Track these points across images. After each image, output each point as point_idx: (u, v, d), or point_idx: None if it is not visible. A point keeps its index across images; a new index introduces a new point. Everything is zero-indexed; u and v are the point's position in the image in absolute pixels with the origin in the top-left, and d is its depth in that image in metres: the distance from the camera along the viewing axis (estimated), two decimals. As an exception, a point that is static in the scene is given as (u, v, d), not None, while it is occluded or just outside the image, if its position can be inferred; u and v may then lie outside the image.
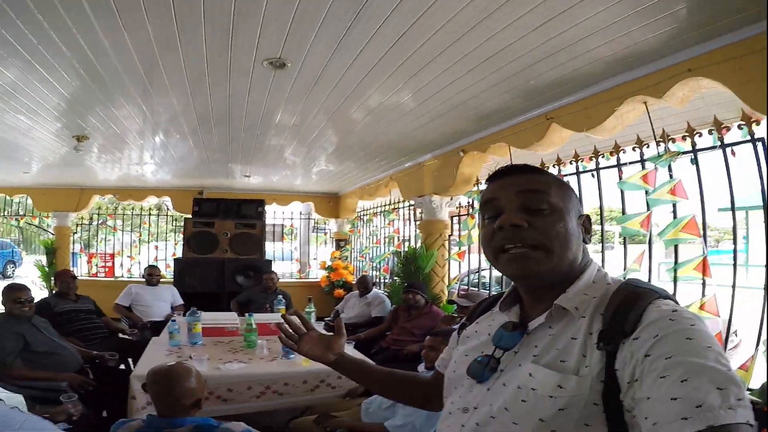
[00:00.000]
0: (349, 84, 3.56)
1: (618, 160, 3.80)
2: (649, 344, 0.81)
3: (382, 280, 8.44)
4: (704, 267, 3.11)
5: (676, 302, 0.92)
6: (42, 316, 3.90)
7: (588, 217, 1.11)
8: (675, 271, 3.26)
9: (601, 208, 4.15)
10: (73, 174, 7.82)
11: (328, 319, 6.45)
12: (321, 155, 6.32)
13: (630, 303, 0.90)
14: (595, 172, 4.08)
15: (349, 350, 3.76)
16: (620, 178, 3.71)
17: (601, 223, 4.19)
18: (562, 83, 3.43)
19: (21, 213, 10.57)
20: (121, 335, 5.02)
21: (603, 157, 3.98)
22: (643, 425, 0.76)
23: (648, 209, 3.40)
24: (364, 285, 6.31)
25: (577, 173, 4.19)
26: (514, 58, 3.04)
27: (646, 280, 3.56)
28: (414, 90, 3.68)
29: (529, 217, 1.00)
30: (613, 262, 3.91)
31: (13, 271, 17.27)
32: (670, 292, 0.98)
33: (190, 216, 7.72)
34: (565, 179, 4.05)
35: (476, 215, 5.38)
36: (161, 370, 2.23)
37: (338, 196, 10.25)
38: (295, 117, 4.45)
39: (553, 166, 4.30)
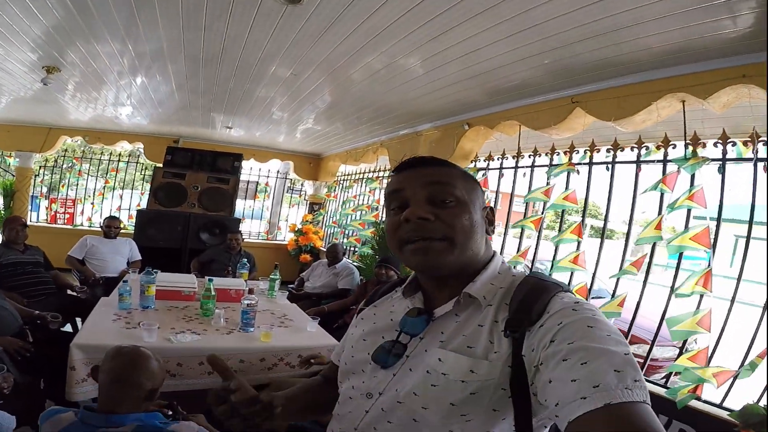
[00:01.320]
0: (366, 35, 3.26)
1: (638, 156, 3.59)
2: (554, 331, 0.86)
3: (350, 249, 8.23)
4: (707, 280, 2.98)
5: (577, 296, 0.98)
6: (-15, 268, 3.59)
7: (491, 209, 1.14)
8: (672, 288, 3.14)
9: (608, 202, 3.94)
10: (43, 111, 7.35)
11: (292, 286, 6.27)
12: (311, 113, 6.05)
13: (536, 294, 0.96)
14: (609, 165, 3.86)
15: (313, 326, 3.59)
16: (637, 175, 3.53)
17: (605, 219, 4.04)
18: (599, 67, 3.26)
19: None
20: (69, 292, 4.73)
21: (621, 150, 3.76)
22: (547, 407, 0.81)
23: (660, 212, 3.29)
24: (334, 254, 6.06)
25: (590, 164, 3.96)
26: (552, 34, 2.86)
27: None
28: (431, 53, 3.45)
29: (435, 210, 1.03)
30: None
31: None
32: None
33: (160, 165, 7.36)
34: (576, 168, 3.88)
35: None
36: (124, 352, 1.96)
37: (320, 158, 10.01)
38: (294, 66, 4.15)
39: (565, 152, 4.07)
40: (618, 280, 3.56)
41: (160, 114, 7.02)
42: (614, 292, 3.60)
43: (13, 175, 8.62)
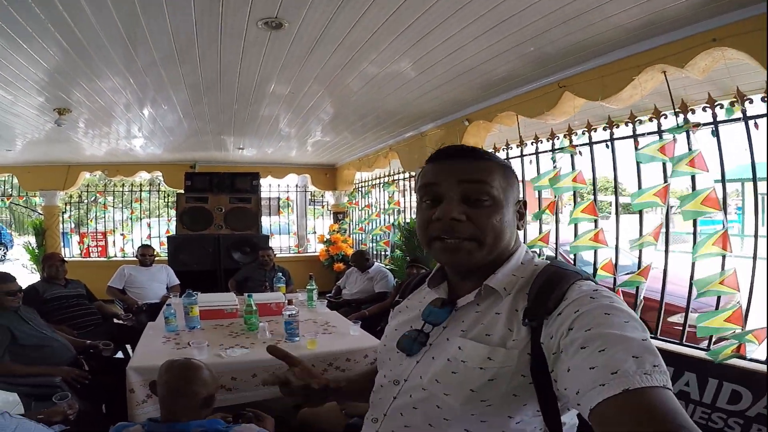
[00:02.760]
0: (351, 48, 3.33)
1: (634, 130, 3.60)
2: (572, 319, 0.87)
3: (382, 254, 8.26)
4: (724, 241, 2.98)
5: (597, 284, 0.98)
6: (30, 304, 3.68)
7: (524, 202, 1.14)
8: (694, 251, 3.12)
9: (615, 179, 3.96)
10: (59, 150, 7.52)
11: (329, 295, 6.30)
12: (317, 126, 6.09)
13: (554, 282, 0.97)
14: (609, 143, 3.85)
15: (356, 329, 3.63)
16: (636, 148, 3.53)
17: (615, 194, 4.02)
18: (578, 50, 3.30)
19: (8, 193, 10.24)
20: (115, 320, 4.83)
21: (617, 126, 3.79)
22: (568, 395, 0.81)
23: (665, 181, 3.29)
24: (361, 261, 6.08)
25: (590, 144, 3.98)
26: (526, 24, 2.91)
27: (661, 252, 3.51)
28: (418, 56, 3.50)
29: (468, 209, 1.03)
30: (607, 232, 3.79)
31: (4, 254, 16.51)
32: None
33: (182, 191, 7.47)
34: (577, 150, 3.90)
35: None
36: (174, 365, 2.05)
37: (335, 168, 10.05)
38: (290, 84, 4.21)
39: (564, 136, 4.10)
40: (640, 252, 3.57)
41: (173, 142, 7.10)
42: (639, 263, 3.61)
43: (41, 215, 8.79)
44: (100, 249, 9.55)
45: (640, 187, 3.50)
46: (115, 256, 9.41)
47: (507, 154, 4.99)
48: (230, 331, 3.71)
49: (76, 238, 9.69)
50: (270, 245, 6.79)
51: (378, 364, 1.26)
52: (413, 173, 6.84)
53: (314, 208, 11.67)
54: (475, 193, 1.03)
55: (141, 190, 9.93)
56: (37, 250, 8.47)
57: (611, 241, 3.79)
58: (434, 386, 1.01)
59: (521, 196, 1.14)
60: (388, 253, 7.79)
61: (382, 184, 8.20)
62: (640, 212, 3.61)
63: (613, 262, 3.71)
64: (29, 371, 3.07)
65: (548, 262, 1.07)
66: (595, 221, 3.82)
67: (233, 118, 5.60)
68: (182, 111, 5.19)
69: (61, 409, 2.33)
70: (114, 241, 9.67)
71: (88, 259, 9.16)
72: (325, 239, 9.61)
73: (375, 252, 8.27)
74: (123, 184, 9.89)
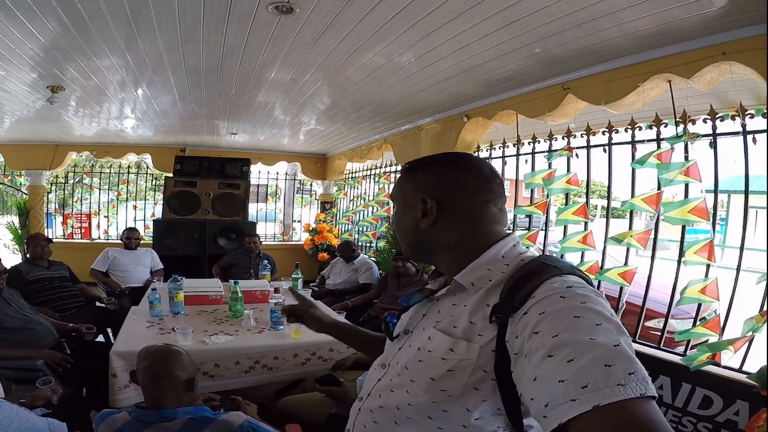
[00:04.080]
0: (359, 38, 3.30)
1: (633, 136, 3.64)
2: (536, 320, 0.83)
3: (367, 245, 8.26)
4: (710, 251, 3.04)
5: (586, 278, 0.95)
6: (13, 286, 3.66)
7: (424, 200, 1.12)
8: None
9: (609, 183, 3.98)
10: (48, 129, 7.40)
11: (313, 284, 6.31)
12: (312, 114, 6.06)
13: (525, 278, 0.94)
14: (607, 147, 3.89)
15: (340, 319, 3.63)
16: (633, 155, 3.56)
17: (608, 199, 4.04)
18: (586, 54, 3.31)
19: (-7, 171, 10.10)
20: (98, 303, 4.80)
21: (616, 132, 3.82)
22: (531, 406, 0.79)
23: (659, 188, 3.31)
24: (347, 251, 6.11)
25: (588, 147, 4.01)
26: (537, 26, 2.91)
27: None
28: (424, 50, 3.48)
29: None
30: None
31: None
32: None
33: (171, 175, 7.42)
34: (575, 152, 3.93)
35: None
36: (151, 352, 2.03)
37: (326, 158, 10.01)
38: (292, 72, 4.16)
39: (563, 137, 4.13)
40: (628, 251, 3.60)
41: (165, 124, 7.02)
42: (626, 263, 3.65)
43: (26, 194, 8.69)
44: (83, 230, 9.43)
45: (633, 194, 3.54)
46: (99, 238, 9.32)
47: (503, 152, 5.00)
48: (214, 317, 3.72)
49: (59, 219, 9.59)
50: (257, 232, 6.78)
51: None
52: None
53: (302, 197, 11.63)
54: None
55: (129, 173, 9.81)
56: (20, 231, 8.37)
57: (599, 245, 3.82)
58: (404, 372, 1.06)
59: (435, 191, 1.12)
60: (373, 244, 7.80)
61: (373, 176, 8.18)
62: (631, 213, 3.65)
63: (599, 265, 3.74)
64: (11, 354, 3.03)
65: (533, 256, 1.03)
66: (585, 224, 3.85)
67: (230, 103, 5.55)
68: (179, 93, 5.13)
69: (44, 394, 2.33)
70: (98, 223, 9.56)
71: (71, 240, 9.02)
72: (311, 228, 9.59)
73: (360, 243, 8.26)
74: (111, 166, 9.75)
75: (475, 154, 5.23)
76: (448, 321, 1.04)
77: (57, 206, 9.66)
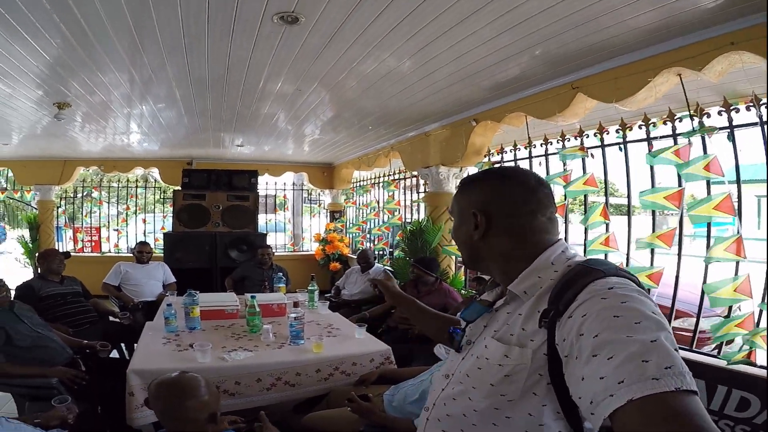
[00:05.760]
0: (365, 46, 3.28)
1: (648, 133, 3.57)
2: (580, 323, 0.87)
3: (378, 254, 8.19)
4: (738, 247, 2.93)
5: (632, 279, 0.97)
6: (26, 302, 3.57)
7: (483, 211, 1.17)
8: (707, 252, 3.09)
9: (628, 182, 3.87)
10: (56, 145, 7.45)
11: (328, 295, 6.21)
12: (317, 124, 6.05)
13: (571, 282, 0.98)
14: (622, 146, 3.84)
15: (361, 332, 3.55)
16: (649, 152, 3.48)
17: (628, 198, 3.93)
18: (592, 52, 3.29)
19: (2, 186, 10.12)
20: (111, 318, 4.71)
21: (629, 129, 3.75)
22: (581, 405, 0.84)
23: (680, 185, 3.26)
24: (366, 260, 6.01)
25: (602, 146, 3.94)
26: (539, 27, 2.92)
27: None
28: (426, 59, 3.49)
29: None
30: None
31: None
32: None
33: (179, 188, 7.36)
34: (589, 152, 3.84)
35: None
36: (165, 384, 1.92)
37: (332, 167, 10.02)
38: (297, 82, 4.14)
39: (575, 137, 4.07)
40: (653, 252, 3.52)
41: (171, 138, 7.05)
42: (651, 264, 3.56)
43: (35, 209, 8.68)
44: (93, 244, 9.42)
45: (653, 192, 3.45)
46: (109, 251, 9.30)
47: (515, 155, 4.94)
48: (232, 332, 3.61)
49: (69, 233, 9.55)
50: (268, 243, 6.70)
51: None
52: (415, 173, 6.75)
53: (310, 206, 11.59)
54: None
55: (137, 186, 9.78)
56: (31, 245, 8.35)
57: (622, 245, 3.74)
58: (466, 380, 1.12)
59: (485, 205, 1.18)
60: (386, 253, 7.71)
61: (382, 183, 8.11)
62: (653, 212, 3.59)
63: (624, 266, 3.64)
64: (24, 372, 2.96)
65: (578, 261, 1.08)
66: (606, 225, 3.77)
67: (235, 115, 5.53)
68: (184, 107, 5.12)
69: (60, 413, 2.25)
70: (108, 237, 9.55)
71: (82, 254, 9.00)
72: (321, 238, 9.51)
73: (375, 253, 8.21)
74: (119, 180, 9.74)
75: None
76: (504, 330, 1.09)
77: (66, 220, 9.65)
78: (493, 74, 3.80)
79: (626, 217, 3.86)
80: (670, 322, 3.45)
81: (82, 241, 9.36)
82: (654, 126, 3.56)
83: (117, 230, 9.62)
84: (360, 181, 9.34)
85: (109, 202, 9.73)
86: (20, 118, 5.46)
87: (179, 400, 1.86)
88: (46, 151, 7.89)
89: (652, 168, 3.49)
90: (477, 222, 1.16)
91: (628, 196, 3.95)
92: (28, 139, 6.85)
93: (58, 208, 9.12)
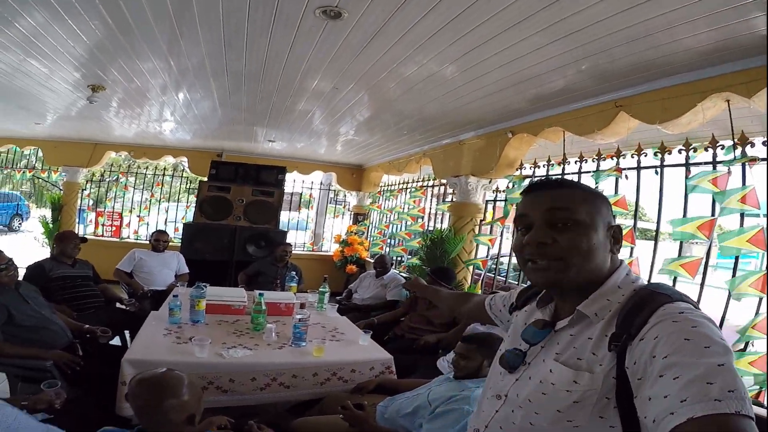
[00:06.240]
0: (407, 47, 3.20)
1: (687, 158, 3.41)
2: (652, 345, 0.87)
3: (397, 259, 8.11)
4: (763, 283, 2.79)
5: (694, 305, 0.96)
6: (34, 282, 3.58)
7: (619, 227, 1.15)
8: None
9: (659, 207, 3.70)
10: (89, 128, 7.52)
11: (340, 297, 6.13)
12: (352, 124, 5.95)
13: (640, 306, 0.97)
14: (659, 169, 3.65)
15: (366, 339, 3.46)
16: (687, 177, 3.32)
17: (657, 223, 3.78)
18: (641, 70, 3.17)
19: (32, 165, 10.31)
20: (118, 305, 4.70)
21: (669, 153, 3.58)
22: (646, 425, 0.82)
23: (713, 214, 3.11)
24: (382, 265, 5.91)
25: (638, 168, 3.77)
26: (591, 40, 2.81)
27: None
28: (473, 62, 3.37)
29: (555, 233, 1.09)
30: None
31: (20, 224, 17.19)
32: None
33: (205, 179, 7.36)
34: (624, 173, 3.68)
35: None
36: (146, 381, 1.87)
37: (362, 169, 9.93)
38: (335, 80, 4.07)
39: (612, 157, 3.91)
40: (675, 281, 3.34)
41: (203, 129, 7.06)
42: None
43: (61, 189, 8.78)
44: (114, 229, 9.50)
45: (685, 220, 3.29)
46: (128, 237, 9.37)
47: (547, 170, 4.79)
48: (235, 329, 3.54)
49: (91, 216, 9.65)
50: (288, 241, 6.65)
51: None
52: (443, 181, 6.63)
53: (335, 207, 11.55)
54: (560, 218, 1.10)
55: (165, 174, 9.85)
56: (51, 225, 8.46)
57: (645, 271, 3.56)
58: (528, 405, 1.08)
59: (614, 221, 1.16)
60: (404, 260, 7.60)
61: (410, 189, 8.01)
62: (681, 242, 3.42)
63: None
64: (20, 352, 2.93)
65: (643, 284, 1.07)
66: (631, 249, 3.62)
67: (269, 110, 5.49)
68: (219, 99, 5.11)
69: (47, 397, 2.22)
70: (129, 223, 9.61)
71: (100, 238, 9.06)
72: (341, 239, 9.45)
73: (392, 258, 8.12)
74: (147, 167, 9.82)
75: (517, 172, 5.08)
76: (570, 353, 1.06)
77: (90, 203, 9.75)
78: (539, 84, 3.68)
79: (651, 242, 3.69)
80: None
81: (103, 225, 9.44)
82: (694, 151, 3.40)
83: (140, 217, 9.64)
84: (388, 186, 9.25)
85: (134, 188, 9.81)
86: (56, 99, 5.51)
87: (158, 398, 1.80)
88: (77, 133, 7.97)
89: (686, 196, 3.33)
90: (614, 236, 1.14)
91: (657, 221, 3.79)
92: (62, 120, 6.91)
93: (83, 190, 9.20)
